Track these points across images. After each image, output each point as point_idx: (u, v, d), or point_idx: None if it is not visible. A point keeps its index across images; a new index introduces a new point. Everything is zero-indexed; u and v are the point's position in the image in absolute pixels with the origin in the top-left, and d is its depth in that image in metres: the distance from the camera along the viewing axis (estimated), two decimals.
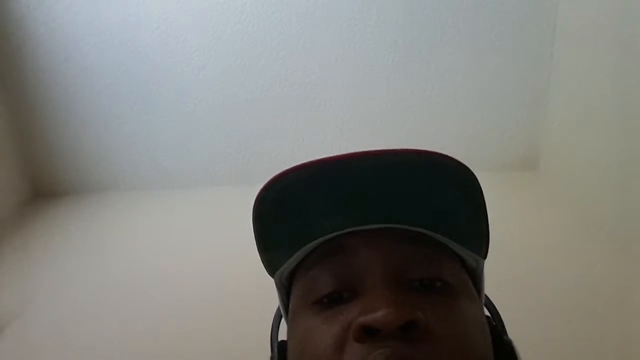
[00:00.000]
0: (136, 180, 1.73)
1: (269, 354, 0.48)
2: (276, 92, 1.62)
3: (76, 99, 1.63)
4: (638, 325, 1.02)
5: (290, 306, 0.45)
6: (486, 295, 0.51)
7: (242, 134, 1.68)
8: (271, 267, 0.46)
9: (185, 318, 1.13)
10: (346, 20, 1.54)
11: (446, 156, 0.39)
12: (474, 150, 1.68)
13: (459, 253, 0.44)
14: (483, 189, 0.42)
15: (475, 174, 0.41)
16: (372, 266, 0.39)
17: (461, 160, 0.40)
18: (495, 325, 0.49)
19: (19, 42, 1.56)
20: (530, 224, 1.38)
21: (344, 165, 0.39)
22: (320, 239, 0.42)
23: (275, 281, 0.47)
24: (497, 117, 1.65)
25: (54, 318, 1.16)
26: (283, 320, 0.50)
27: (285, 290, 0.47)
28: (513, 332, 0.49)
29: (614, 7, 1.26)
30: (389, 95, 1.63)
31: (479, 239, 0.44)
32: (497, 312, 0.51)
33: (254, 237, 0.44)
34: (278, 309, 0.51)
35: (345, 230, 0.42)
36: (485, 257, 0.45)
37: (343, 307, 0.38)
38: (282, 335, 0.48)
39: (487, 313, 0.50)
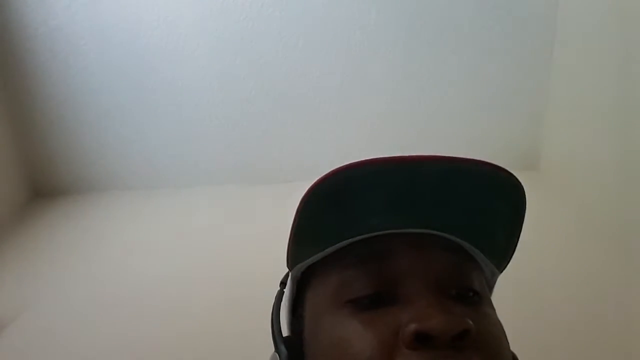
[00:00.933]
0: (136, 180, 1.73)
1: (271, 351, 0.47)
2: (276, 93, 1.62)
3: (76, 98, 1.63)
4: (638, 325, 1.02)
5: (309, 302, 0.44)
6: None
7: (242, 134, 1.68)
8: (295, 260, 0.45)
9: (185, 318, 1.13)
10: (346, 21, 1.54)
11: (506, 171, 0.39)
12: (474, 150, 1.67)
13: (480, 263, 0.44)
14: None
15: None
16: (414, 272, 0.39)
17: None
18: None
19: (18, 42, 1.56)
20: (530, 224, 1.38)
21: (404, 167, 0.39)
22: (357, 237, 0.42)
23: (292, 274, 0.46)
24: (497, 117, 1.65)
25: (54, 318, 1.16)
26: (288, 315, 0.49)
27: (298, 284, 0.46)
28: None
29: (614, 7, 1.26)
30: (388, 96, 1.63)
31: (505, 255, 0.45)
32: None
33: (292, 225, 0.42)
34: (275, 303, 0.50)
35: (384, 232, 0.41)
36: (501, 272, 0.46)
37: (386, 311, 0.38)
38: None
39: None
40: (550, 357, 0.96)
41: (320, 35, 1.56)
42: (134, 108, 1.65)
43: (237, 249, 1.36)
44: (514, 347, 0.48)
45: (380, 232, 0.41)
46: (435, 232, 0.42)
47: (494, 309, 0.42)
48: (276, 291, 0.51)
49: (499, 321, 0.42)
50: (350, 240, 0.42)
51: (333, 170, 0.39)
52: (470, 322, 0.35)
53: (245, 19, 1.54)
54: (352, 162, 0.39)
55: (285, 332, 0.47)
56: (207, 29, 1.55)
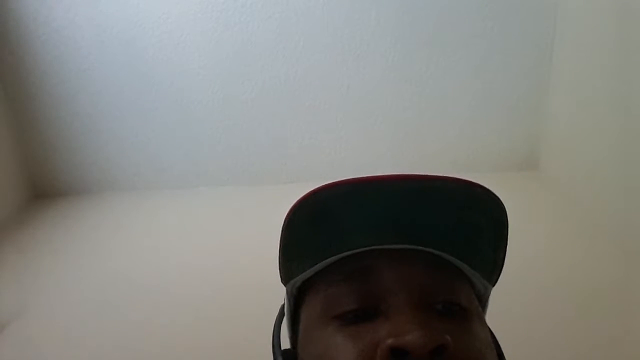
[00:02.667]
0: (136, 180, 1.73)
1: (270, 357, 0.48)
2: (276, 93, 1.62)
3: (76, 99, 1.63)
4: (638, 325, 1.02)
5: (303, 317, 0.45)
6: None
7: (242, 134, 1.68)
8: (288, 276, 0.46)
9: (185, 318, 1.13)
10: (346, 21, 1.54)
11: (478, 185, 0.40)
12: (475, 150, 1.68)
13: (471, 278, 0.45)
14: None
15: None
16: (397, 287, 0.40)
17: (486, 186, 0.40)
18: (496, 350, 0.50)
19: (19, 43, 1.56)
20: (530, 224, 1.38)
21: (377, 187, 0.40)
22: (342, 254, 0.43)
23: (287, 289, 0.47)
24: (497, 117, 1.65)
25: (54, 318, 1.16)
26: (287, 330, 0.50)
27: (295, 299, 0.47)
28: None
29: (613, 7, 1.26)
30: (388, 96, 1.63)
31: (494, 268, 0.45)
32: (495, 338, 0.52)
33: (279, 245, 0.44)
34: (278, 316, 0.51)
35: (369, 248, 0.42)
36: (494, 285, 0.46)
37: (368, 326, 0.39)
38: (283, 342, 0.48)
39: None
40: (550, 356, 0.96)
41: (320, 36, 1.56)
42: (134, 109, 1.65)
43: (237, 249, 1.36)
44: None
45: (365, 249, 0.42)
46: (420, 248, 0.42)
47: (483, 324, 0.42)
48: (275, 293, 0.51)
49: (488, 336, 0.42)
50: (337, 257, 0.43)
51: (312, 190, 0.40)
52: (448, 338, 0.35)
53: (245, 20, 1.54)
54: (329, 182, 0.40)
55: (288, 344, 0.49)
56: (207, 30, 1.55)
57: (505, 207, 0.42)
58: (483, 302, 0.46)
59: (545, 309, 1.08)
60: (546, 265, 1.22)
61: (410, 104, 1.64)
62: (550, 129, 1.61)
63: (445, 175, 0.40)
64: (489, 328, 0.52)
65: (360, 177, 0.40)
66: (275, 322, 0.51)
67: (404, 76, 1.60)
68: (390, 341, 0.35)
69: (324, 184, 0.40)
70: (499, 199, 0.41)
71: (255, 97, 1.63)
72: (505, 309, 1.08)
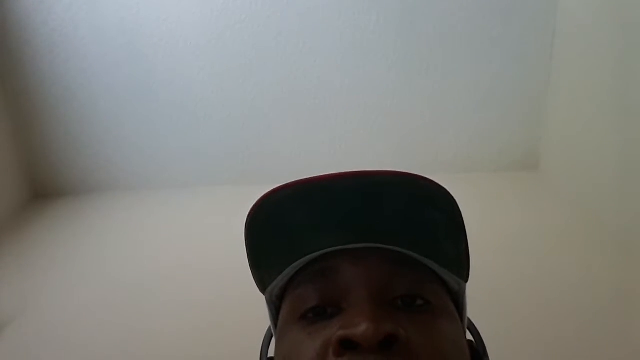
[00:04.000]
0: (136, 180, 1.73)
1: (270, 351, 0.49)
2: (276, 93, 1.62)
3: (76, 99, 1.63)
4: (638, 325, 1.02)
5: (278, 323, 0.46)
6: (470, 320, 0.52)
7: (242, 134, 1.68)
8: (262, 284, 0.47)
9: (185, 318, 1.13)
10: (346, 22, 1.54)
11: (425, 179, 0.40)
12: (475, 150, 1.68)
13: (441, 275, 0.45)
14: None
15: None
16: (355, 284, 0.40)
17: (442, 184, 0.40)
18: (478, 350, 0.49)
19: (19, 43, 1.56)
20: (530, 224, 1.38)
21: (328, 186, 0.40)
22: (308, 257, 0.43)
23: (266, 298, 0.48)
24: (497, 117, 1.65)
25: (54, 318, 1.16)
26: (274, 338, 0.51)
27: (276, 308, 0.48)
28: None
29: (613, 7, 1.26)
30: (388, 96, 1.63)
31: (460, 262, 0.45)
32: (480, 337, 0.51)
33: (246, 255, 0.45)
34: (269, 327, 0.52)
35: (332, 249, 0.42)
36: (466, 280, 0.46)
37: (327, 323, 0.39)
38: (272, 353, 0.48)
39: (470, 337, 0.50)
40: (549, 356, 0.96)
41: (321, 36, 1.56)
42: (134, 109, 1.65)
43: (238, 249, 1.36)
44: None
45: (329, 250, 0.42)
46: (382, 246, 0.42)
47: (452, 320, 0.42)
48: None
49: (455, 332, 0.41)
50: (302, 260, 0.43)
51: (260, 198, 0.41)
52: (399, 329, 0.35)
53: (245, 20, 1.54)
54: (274, 187, 0.40)
55: None
56: (207, 30, 1.55)
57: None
58: (459, 299, 0.46)
59: (545, 309, 1.08)
60: (546, 265, 1.22)
61: (410, 104, 1.64)
62: (550, 129, 1.61)
63: (391, 170, 0.40)
64: (474, 327, 0.52)
65: (306, 178, 0.40)
66: (266, 332, 0.52)
67: (403, 77, 1.60)
68: (339, 333, 0.35)
69: (271, 189, 0.40)
70: (447, 191, 0.41)
71: (255, 97, 1.63)
72: (505, 308, 1.08)
